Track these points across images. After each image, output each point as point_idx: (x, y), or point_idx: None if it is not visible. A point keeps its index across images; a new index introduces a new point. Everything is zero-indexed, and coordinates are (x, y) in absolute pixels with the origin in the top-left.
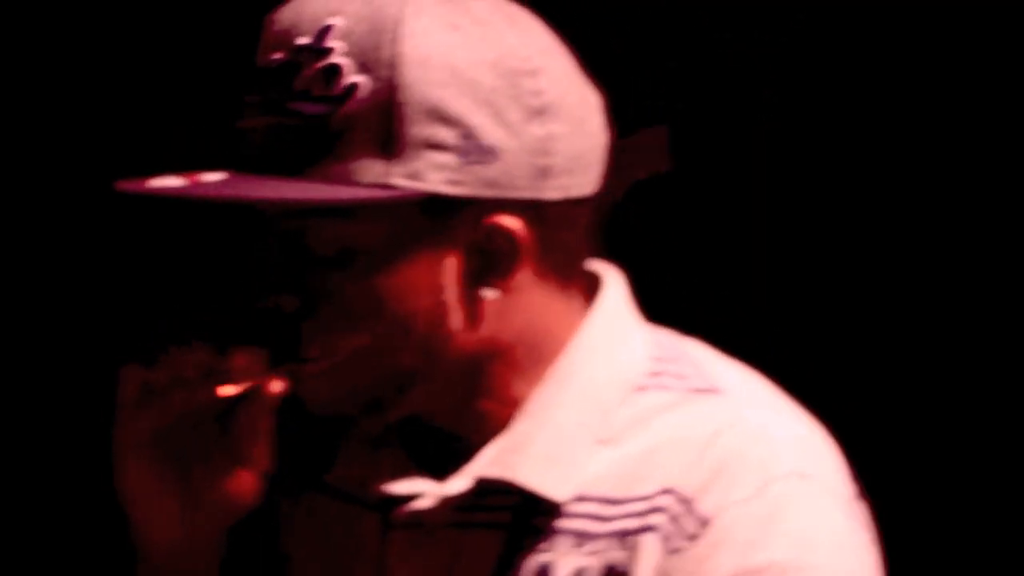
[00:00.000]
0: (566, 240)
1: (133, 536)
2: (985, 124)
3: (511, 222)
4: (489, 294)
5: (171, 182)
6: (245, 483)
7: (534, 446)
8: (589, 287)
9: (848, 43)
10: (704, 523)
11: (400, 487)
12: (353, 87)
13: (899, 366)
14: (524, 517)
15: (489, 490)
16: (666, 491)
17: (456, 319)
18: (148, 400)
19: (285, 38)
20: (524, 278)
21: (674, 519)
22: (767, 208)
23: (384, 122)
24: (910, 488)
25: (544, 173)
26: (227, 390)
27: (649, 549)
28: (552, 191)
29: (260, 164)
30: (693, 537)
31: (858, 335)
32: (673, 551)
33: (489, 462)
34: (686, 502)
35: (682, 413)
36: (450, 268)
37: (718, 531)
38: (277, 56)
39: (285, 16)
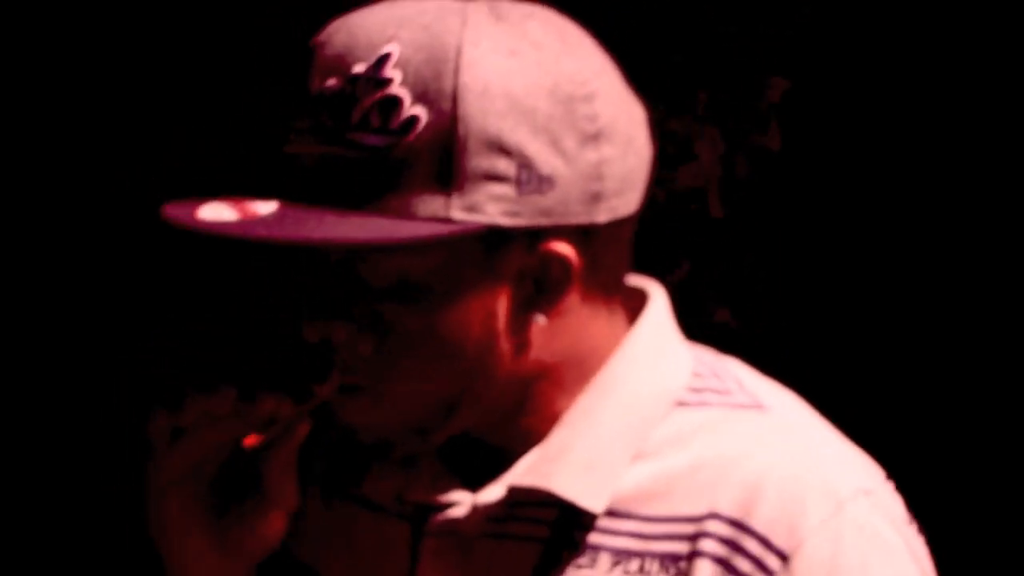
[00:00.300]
0: (612, 259)
1: (167, 574)
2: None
3: (564, 249)
4: (540, 320)
5: (223, 214)
6: (274, 522)
7: (570, 456)
8: (631, 301)
9: (856, 37)
10: (783, 557)
11: (435, 496)
12: (413, 120)
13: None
14: (562, 531)
15: (525, 502)
16: (715, 515)
17: (506, 346)
18: (178, 443)
19: (339, 64)
20: (572, 300)
21: (738, 550)
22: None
23: (444, 155)
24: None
25: (596, 197)
26: (253, 440)
27: None
28: (603, 214)
29: (314, 195)
30: (774, 573)
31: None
32: None
33: (524, 471)
34: (751, 533)
35: (727, 431)
36: (503, 296)
37: (801, 563)
38: (331, 83)
39: (338, 40)
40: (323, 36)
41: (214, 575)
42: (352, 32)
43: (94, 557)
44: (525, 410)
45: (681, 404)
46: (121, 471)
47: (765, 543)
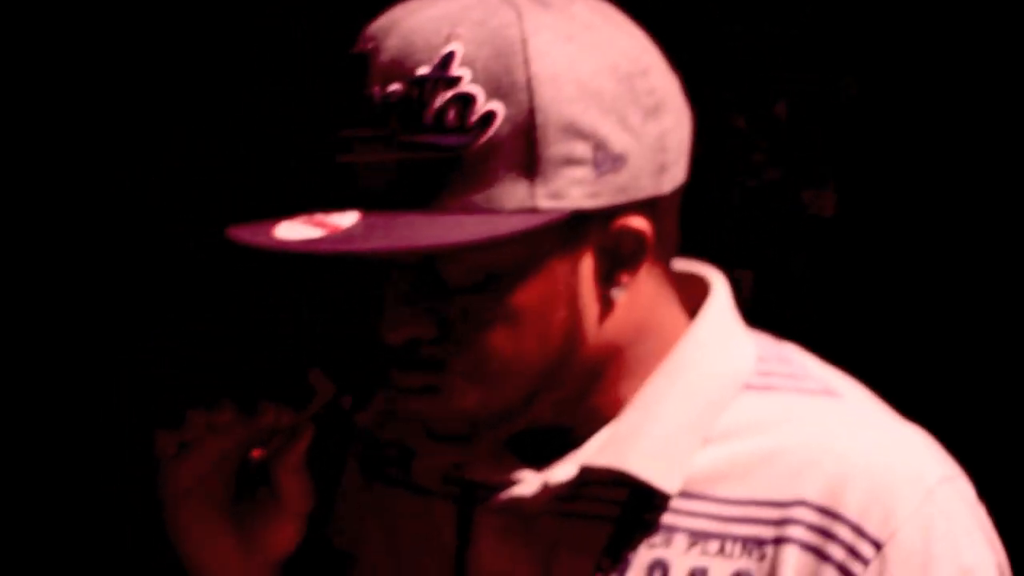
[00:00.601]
0: (671, 228)
1: None
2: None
3: (639, 223)
4: (617, 295)
5: (305, 232)
6: (290, 524)
7: (644, 437)
8: (692, 286)
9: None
10: (878, 545)
11: (497, 475)
12: (490, 115)
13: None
14: (634, 511)
15: (594, 481)
16: (802, 502)
17: (587, 324)
18: (185, 454)
19: (399, 69)
20: (642, 273)
21: (830, 537)
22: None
23: (525, 146)
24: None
25: (662, 169)
26: (258, 452)
27: (793, 566)
28: (667, 184)
29: (394, 201)
30: (868, 561)
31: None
32: (846, 574)
33: (597, 451)
34: (843, 520)
35: (805, 418)
36: (582, 275)
37: (895, 551)
38: (395, 88)
39: (391, 44)
40: (370, 42)
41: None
42: (405, 35)
43: (94, 557)
44: (592, 391)
45: (749, 388)
46: (121, 471)
47: (858, 531)
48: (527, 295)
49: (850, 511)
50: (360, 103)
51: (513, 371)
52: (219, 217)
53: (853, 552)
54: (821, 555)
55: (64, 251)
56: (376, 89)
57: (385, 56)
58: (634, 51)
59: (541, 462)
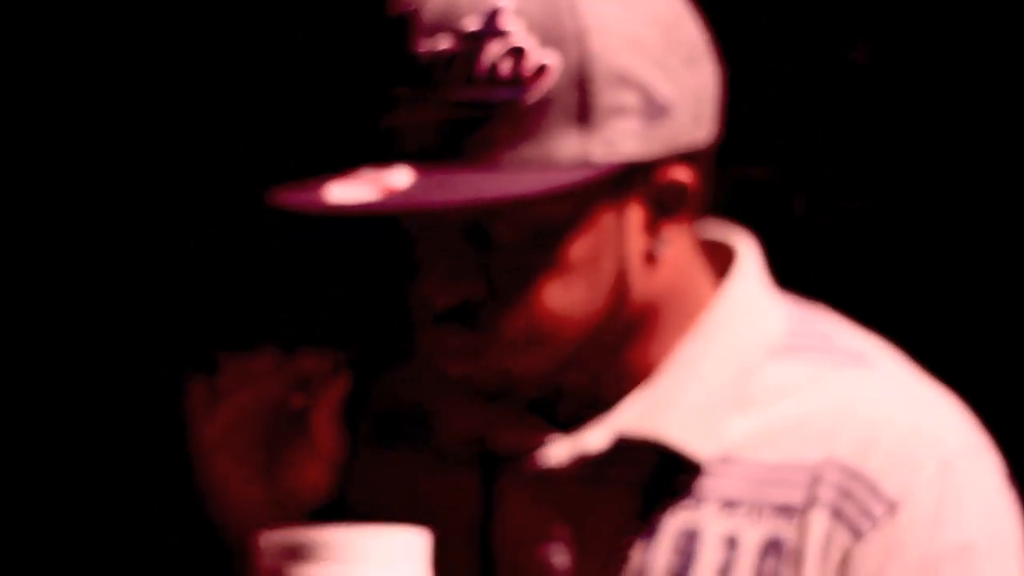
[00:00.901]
0: (705, 184)
1: (221, 530)
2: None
3: (683, 173)
4: (661, 248)
5: (359, 193)
6: (323, 472)
7: (678, 403)
8: (721, 249)
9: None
10: (892, 506)
11: (526, 441)
12: (543, 67)
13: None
14: (665, 476)
15: (626, 446)
16: (831, 463)
17: (633, 278)
18: (216, 403)
19: (446, 24)
20: (681, 227)
21: (847, 495)
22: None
23: (577, 97)
24: None
25: (699, 120)
26: (299, 400)
27: (821, 526)
28: (705, 136)
29: (448, 156)
30: (878, 520)
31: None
32: (857, 534)
33: (631, 418)
34: (862, 480)
35: (836, 381)
36: (630, 226)
37: (907, 514)
38: (445, 44)
39: (434, 2)
40: (411, 3)
41: (265, 524)
42: None
43: (94, 557)
44: (625, 352)
45: (780, 353)
46: (121, 471)
47: (873, 489)
48: (576, 249)
49: (871, 469)
50: (407, 62)
51: (562, 327)
52: (219, 217)
53: (864, 510)
54: (838, 513)
55: (64, 251)
56: (423, 47)
57: (430, 13)
58: (672, 2)
59: (567, 426)
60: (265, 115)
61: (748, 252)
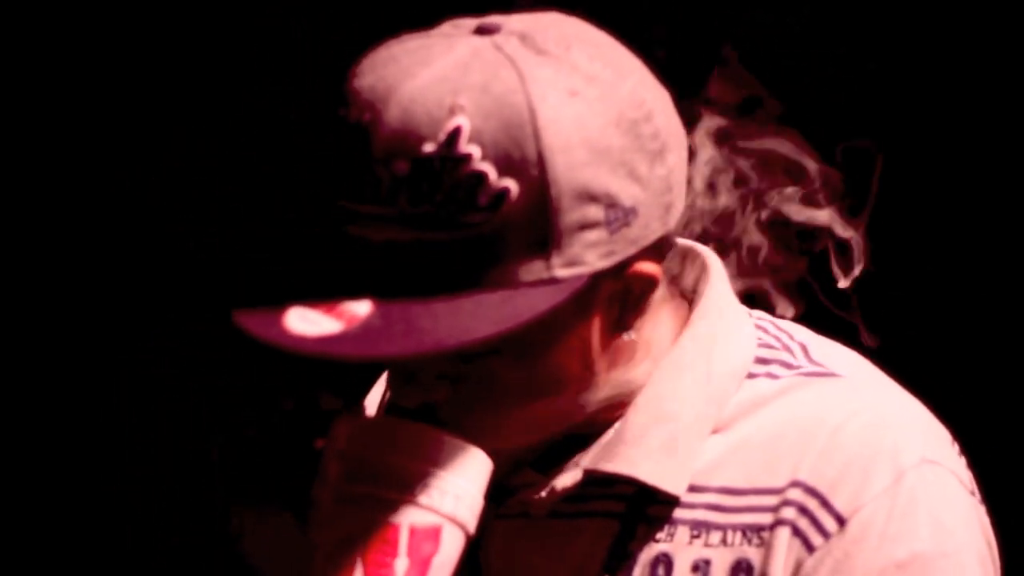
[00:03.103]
0: (690, 263)
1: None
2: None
3: (648, 267)
4: (629, 335)
5: (319, 323)
6: None
7: (648, 440)
8: (688, 268)
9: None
10: (841, 520)
11: (506, 478)
12: (503, 193)
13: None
14: (639, 506)
15: (599, 481)
16: (795, 484)
17: (601, 366)
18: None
19: (403, 145)
20: (650, 303)
21: (805, 513)
22: None
23: (539, 220)
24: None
25: (669, 208)
26: (320, 441)
27: (784, 546)
28: (672, 220)
29: (407, 284)
30: (829, 535)
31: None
32: (810, 549)
33: (603, 455)
34: (818, 496)
35: (799, 400)
36: (595, 325)
37: (856, 528)
38: (401, 167)
39: (392, 117)
40: (367, 112)
41: None
42: (405, 107)
43: (94, 557)
44: (596, 409)
45: (751, 376)
46: (121, 471)
47: (825, 504)
48: (542, 355)
49: (825, 485)
50: (365, 180)
51: (527, 425)
52: (219, 217)
53: (817, 524)
54: (796, 530)
55: (64, 251)
56: (381, 168)
57: (386, 129)
58: (637, 95)
59: (549, 462)
60: (265, 115)
61: (716, 271)
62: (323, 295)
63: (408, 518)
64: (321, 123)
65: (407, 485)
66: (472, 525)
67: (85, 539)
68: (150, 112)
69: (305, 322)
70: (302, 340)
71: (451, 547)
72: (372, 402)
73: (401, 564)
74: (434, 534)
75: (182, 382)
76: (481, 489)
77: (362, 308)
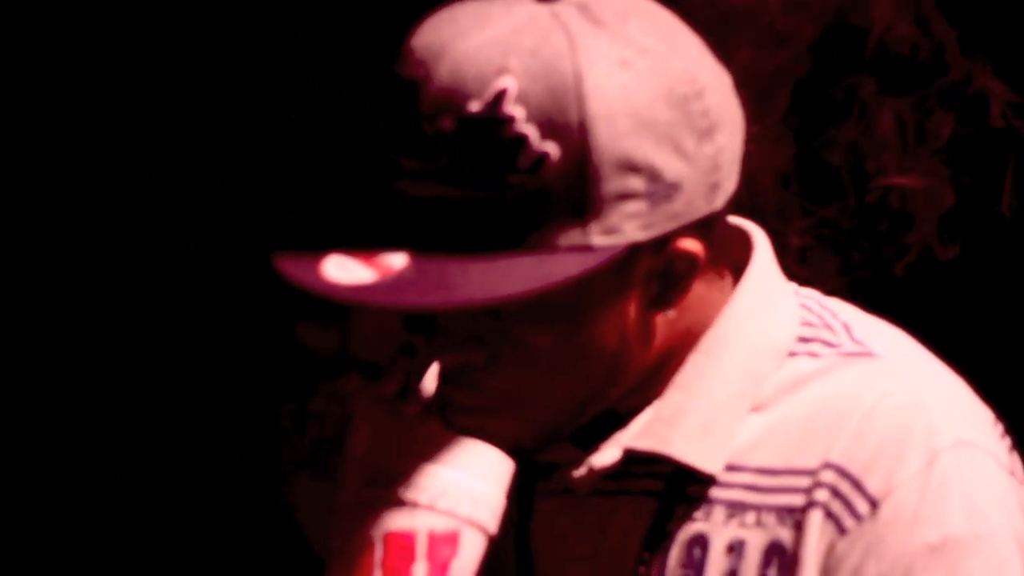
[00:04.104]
0: (723, 233)
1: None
2: None
3: (691, 244)
4: (669, 314)
5: (355, 272)
6: None
7: (686, 418)
8: (734, 248)
9: None
10: (873, 503)
11: (546, 457)
12: (544, 156)
13: None
14: (676, 485)
15: (640, 459)
16: (828, 465)
17: (637, 345)
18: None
19: (450, 103)
20: (694, 284)
21: (837, 495)
22: None
23: (578, 186)
24: None
25: (715, 187)
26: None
27: (817, 529)
28: (720, 200)
29: (444, 241)
30: (862, 518)
31: None
32: (842, 531)
33: (640, 433)
34: (850, 478)
35: (836, 380)
36: (632, 300)
37: (888, 511)
38: (447, 124)
39: (442, 74)
40: (419, 68)
41: None
42: (456, 64)
43: (94, 557)
44: (641, 383)
45: (792, 355)
46: (121, 471)
47: (858, 487)
48: (577, 325)
49: (856, 467)
50: (410, 134)
51: (561, 399)
52: (219, 217)
53: (850, 507)
54: (829, 513)
55: (64, 251)
56: (427, 124)
57: (436, 86)
58: (690, 72)
59: (590, 440)
60: (265, 115)
61: (760, 250)
62: (363, 246)
63: (426, 523)
64: (378, 78)
65: (425, 489)
66: (493, 526)
67: (85, 539)
68: (150, 112)
69: (341, 270)
70: (334, 287)
71: (471, 550)
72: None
73: (420, 569)
74: (452, 538)
75: (182, 382)
76: (502, 490)
77: (398, 260)
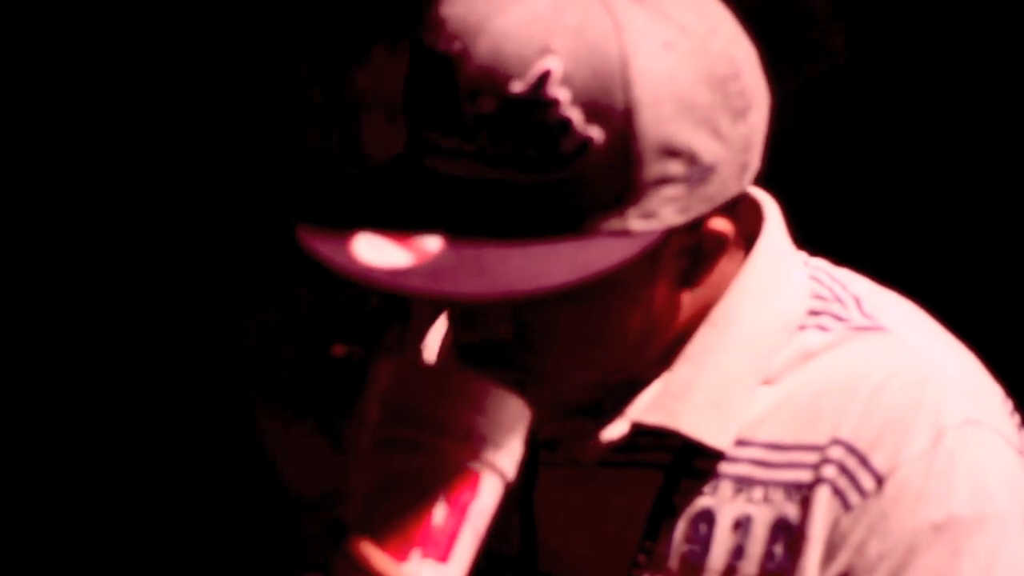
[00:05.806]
0: (745, 209)
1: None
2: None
3: (722, 224)
4: (695, 291)
5: (388, 254)
6: None
7: (695, 393)
8: (747, 210)
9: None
10: (879, 480)
11: (556, 427)
12: (587, 141)
13: None
14: (684, 459)
15: (648, 432)
16: (836, 441)
17: (663, 320)
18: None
19: (491, 82)
20: (719, 261)
21: (844, 471)
22: None
23: (621, 170)
24: None
25: (746, 167)
26: (340, 350)
27: (824, 505)
28: (748, 180)
29: (481, 224)
30: (867, 494)
31: None
32: (847, 508)
33: (648, 407)
34: (857, 455)
35: (846, 355)
36: (662, 278)
37: (893, 488)
38: (487, 105)
39: (481, 51)
40: (455, 42)
41: None
42: (495, 41)
43: (95, 557)
44: (655, 356)
45: (801, 328)
46: (121, 471)
47: (865, 463)
48: (608, 303)
49: (862, 443)
50: (448, 112)
51: (584, 374)
52: (219, 217)
53: (855, 484)
54: (835, 489)
55: (65, 251)
56: (467, 103)
57: (474, 63)
58: (728, 52)
59: (600, 411)
60: (265, 115)
61: (772, 221)
62: (392, 224)
63: (448, 464)
64: (406, 47)
65: (447, 431)
66: (511, 473)
67: (86, 539)
68: (150, 112)
69: (374, 250)
70: (371, 270)
71: (489, 495)
72: (432, 342)
73: (439, 510)
74: (473, 481)
75: (186, 378)
76: (521, 438)
77: (432, 243)
